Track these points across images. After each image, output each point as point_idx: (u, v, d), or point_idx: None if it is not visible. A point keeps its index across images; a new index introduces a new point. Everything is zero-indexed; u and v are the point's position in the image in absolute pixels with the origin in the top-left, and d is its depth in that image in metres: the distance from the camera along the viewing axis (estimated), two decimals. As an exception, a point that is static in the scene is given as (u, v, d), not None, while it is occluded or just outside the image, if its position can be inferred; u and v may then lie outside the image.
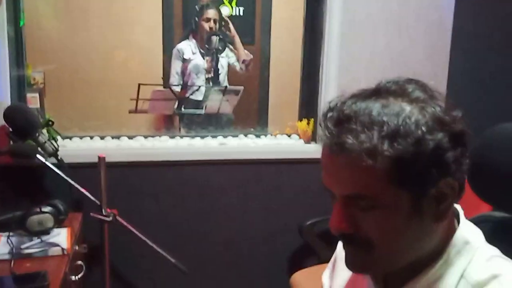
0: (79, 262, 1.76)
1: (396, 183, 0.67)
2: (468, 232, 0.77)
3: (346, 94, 0.73)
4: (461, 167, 0.70)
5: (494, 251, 0.78)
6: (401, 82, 0.73)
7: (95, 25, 3.62)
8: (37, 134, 1.82)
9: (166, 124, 3.16)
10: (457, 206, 0.80)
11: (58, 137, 2.11)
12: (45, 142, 1.84)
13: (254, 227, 2.31)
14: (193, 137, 2.33)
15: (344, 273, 0.93)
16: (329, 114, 0.71)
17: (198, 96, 2.97)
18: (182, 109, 2.70)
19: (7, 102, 1.91)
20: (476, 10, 2.44)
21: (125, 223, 1.96)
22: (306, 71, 2.42)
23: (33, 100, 2.45)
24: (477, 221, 1.16)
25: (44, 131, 1.89)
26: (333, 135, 0.68)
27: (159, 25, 3.76)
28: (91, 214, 1.91)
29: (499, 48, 2.52)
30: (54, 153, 1.87)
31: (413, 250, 0.73)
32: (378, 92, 0.71)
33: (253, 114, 3.72)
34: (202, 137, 2.35)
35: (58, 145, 1.91)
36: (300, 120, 2.39)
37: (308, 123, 2.34)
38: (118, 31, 3.65)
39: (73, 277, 1.64)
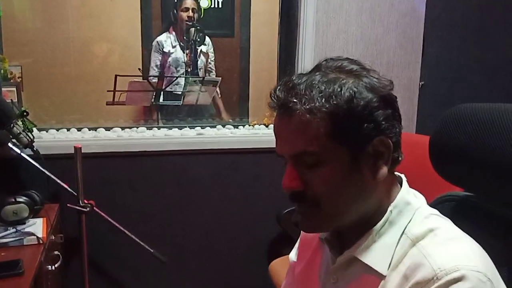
0: (56, 252, 1.77)
1: (335, 139, 0.76)
2: (409, 195, 0.85)
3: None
4: (393, 127, 0.79)
5: (433, 210, 0.86)
6: (339, 60, 0.83)
7: (73, 17, 3.59)
8: (11, 125, 1.81)
9: (146, 116, 3.16)
10: (401, 174, 0.88)
11: (34, 129, 2.10)
12: (20, 133, 1.84)
13: (232, 216, 2.34)
14: (170, 127, 2.34)
15: (307, 246, 0.99)
16: (280, 83, 0.81)
17: (177, 89, 2.97)
18: (160, 100, 2.70)
19: (-19, 93, 1.90)
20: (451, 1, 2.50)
21: (102, 214, 1.97)
22: (282, 61, 2.44)
23: (10, 94, 2.44)
24: (441, 200, 1.21)
25: (20, 123, 1.88)
26: (279, 99, 0.78)
27: (137, 17, 3.74)
28: (68, 205, 1.92)
29: (474, 38, 2.57)
30: (30, 144, 1.87)
31: (356, 205, 0.80)
32: (318, 68, 0.82)
33: (233, 106, 3.73)
34: (180, 127, 2.36)
35: (33, 136, 1.90)
36: (278, 108, 2.41)
37: (285, 112, 2.37)
38: (96, 24, 3.62)
39: (49, 267, 1.65)
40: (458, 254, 0.74)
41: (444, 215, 1.21)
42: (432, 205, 1.18)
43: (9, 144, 1.77)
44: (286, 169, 0.81)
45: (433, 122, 1.12)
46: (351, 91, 0.75)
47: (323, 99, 0.75)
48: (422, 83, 2.50)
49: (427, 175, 1.18)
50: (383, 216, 0.81)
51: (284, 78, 0.81)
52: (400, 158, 0.83)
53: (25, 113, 1.88)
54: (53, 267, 1.68)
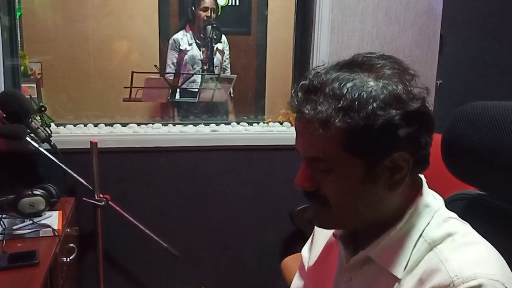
0: (71, 245, 1.81)
1: (349, 151, 0.73)
2: (428, 198, 0.82)
3: (327, 64, 0.79)
4: (416, 143, 0.75)
5: (451, 214, 0.84)
6: (374, 57, 0.78)
7: (93, 15, 3.64)
8: (30, 120, 1.85)
9: (163, 113, 3.19)
10: (421, 175, 0.85)
11: (52, 124, 2.14)
12: (38, 127, 1.88)
13: (245, 212, 2.35)
14: (185, 124, 2.36)
15: (321, 243, 0.99)
16: (302, 82, 0.77)
17: (194, 87, 3.00)
18: (176, 97, 2.72)
19: (1, 89, 1.95)
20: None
21: (117, 208, 2.00)
22: (298, 59, 2.44)
23: (30, 89, 2.49)
24: (454, 199, 1.20)
25: (38, 118, 1.92)
26: (298, 102, 0.75)
27: (155, 15, 3.78)
28: (84, 198, 1.96)
29: (492, 37, 2.54)
30: (47, 139, 1.91)
31: (369, 213, 0.79)
32: (350, 65, 0.76)
33: (249, 103, 3.74)
34: (195, 124, 2.38)
35: (51, 131, 1.94)
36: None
37: (300, 109, 2.37)
38: (115, 22, 3.67)
39: (64, 259, 1.68)
40: (476, 261, 0.73)
41: (457, 214, 1.21)
42: (444, 203, 1.18)
43: (27, 139, 1.81)
44: (301, 166, 0.80)
45: (450, 121, 1.11)
46: (371, 106, 0.70)
47: (340, 113, 0.71)
48: (440, 82, 2.48)
49: (443, 174, 1.17)
50: (401, 218, 0.79)
51: (309, 73, 0.77)
52: (424, 168, 0.79)
53: (43, 109, 1.92)
54: (68, 259, 1.71)
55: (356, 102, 0.71)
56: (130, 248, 2.23)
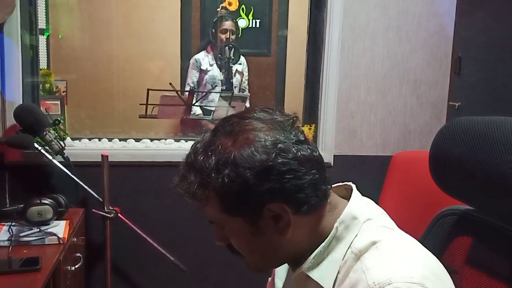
0: (78, 254, 1.85)
1: (227, 213, 0.80)
2: (356, 209, 0.83)
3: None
4: (284, 191, 0.77)
5: (384, 222, 0.85)
6: (238, 120, 0.81)
7: (117, 36, 3.79)
8: (44, 133, 1.93)
9: (186, 130, 3.24)
10: (352, 184, 0.89)
11: (68, 138, 2.22)
12: (52, 140, 1.95)
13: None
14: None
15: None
16: (184, 160, 0.84)
17: (211, 105, 3.05)
18: (190, 115, 2.78)
19: (19, 103, 2.04)
20: (483, 20, 2.45)
21: (126, 221, 2.05)
22: (309, 78, 2.47)
23: (54, 107, 2.60)
24: (443, 215, 1.19)
25: (52, 131, 2.00)
26: (176, 182, 0.84)
27: (177, 36, 3.89)
28: (93, 210, 2.01)
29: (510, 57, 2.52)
30: (61, 151, 1.98)
31: (275, 256, 0.85)
32: (214, 132, 0.82)
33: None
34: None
35: (64, 144, 2.01)
36: (303, 125, 2.44)
37: (310, 128, 2.39)
38: (138, 42, 3.80)
39: (69, 267, 1.73)
40: (395, 266, 0.74)
41: (446, 230, 1.19)
42: (434, 219, 1.17)
43: (41, 150, 1.89)
44: None
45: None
46: (225, 172, 0.76)
47: (200, 186, 0.78)
48: (458, 104, 2.46)
49: (434, 189, 1.17)
50: (328, 234, 0.82)
51: (191, 147, 0.84)
52: (313, 205, 0.80)
53: (57, 122, 2.00)
54: (73, 267, 1.76)
55: (212, 173, 0.77)
56: (138, 261, 2.27)
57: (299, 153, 0.78)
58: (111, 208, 2.02)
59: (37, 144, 1.91)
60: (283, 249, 0.83)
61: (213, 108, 2.97)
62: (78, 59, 3.74)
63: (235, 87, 3.46)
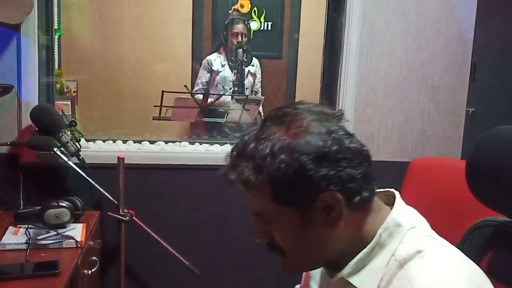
0: (94, 258, 1.83)
1: (278, 202, 0.79)
2: (400, 216, 0.83)
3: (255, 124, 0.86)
4: (340, 180, 0.77)
5: (427, 231, 0.84)
6: (283, 110, 0.82)
7: (129, 37, 3.77)
8: (60, 134, 1.91)
9: (196, 132, 3.23)
10: (395, 191, 0.88)
11: (82, 139, 2.20)
12: (68, 142, 1.93)
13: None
14: (212, 143, 2.38)
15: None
16: (231, 152, 0.84)
17: (224, 108, 3.03)
18: (205, 117, 2.76)
19: (35, 103, 2.02)
20: (498, 26, 2.43)
21: (141, 224, 2.02)
22: (325, 82, 2.44)
23: (65, 107, 2.58)
24: (479, 226, 1.17)
25: (68, 132, 1.98)
26: (225, 171, 0.83)
27: (189, 37, 3.88)
28: (109, 213, 1.99)
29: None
30: (76, 153, 1.96)
31: (324, 251, 0.83)
32: (264, 123, 0.82)
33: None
34: (221, 144, 2.40)
35: (80, 146, 1.99)
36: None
37: (326, 133, 2.37)
38: (150, 43, 3.78)
39: (86, 271, 1.71)
40: (441, 276, 0.73)
41: (482, 241, 1.16)
42: (469, 231, 1.15)
43: (57, 152, 1.86)
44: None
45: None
46: (279, 158, 0.76)
47: (253, 172, 0.77)
48: (472, 109, 2.43)
49: (471, 201, 1.14)
50: (371, 240, 0.81)
51: (243, 134, 0.84)
52: (364, 197, 0.80)
53: (73, 123, 1.98)
54: (90, 271, 1.74)
55: (266, 158, 0.76)
56: (152, 264, 2.24)
57: (352, 145, 0.79)
58: (126, 211, 2.00)
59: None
60: (329, 246, 0.82)
61: (224, 110, 2.95)
62: (89, 59, 3.73)
63: (246, 88, 3.44)
